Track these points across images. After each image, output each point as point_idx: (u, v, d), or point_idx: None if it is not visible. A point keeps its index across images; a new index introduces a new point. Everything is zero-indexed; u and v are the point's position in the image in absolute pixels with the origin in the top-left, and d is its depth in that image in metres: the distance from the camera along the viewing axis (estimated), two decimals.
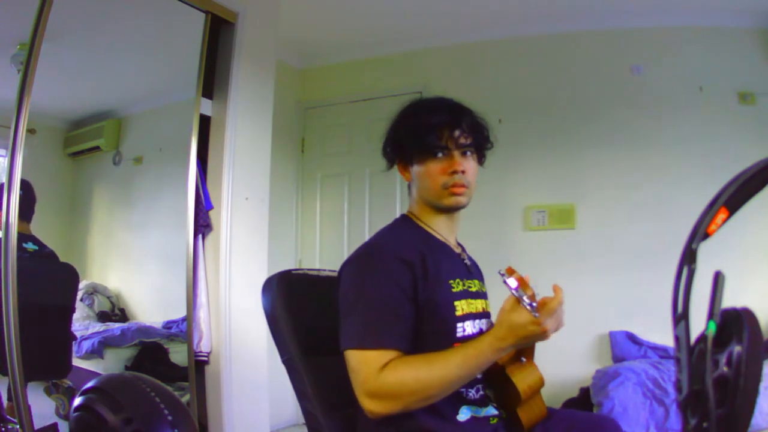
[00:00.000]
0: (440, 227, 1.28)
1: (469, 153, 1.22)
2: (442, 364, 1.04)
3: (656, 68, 3.17)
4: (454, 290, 1.19)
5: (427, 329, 1.12)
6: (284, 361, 1.28)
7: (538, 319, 0.99)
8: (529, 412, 1.17)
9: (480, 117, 1.27)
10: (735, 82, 3.06)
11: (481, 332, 1.20)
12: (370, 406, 1.04)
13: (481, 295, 1.28)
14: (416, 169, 1.24)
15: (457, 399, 1.14)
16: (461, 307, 1.18)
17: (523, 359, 1.15)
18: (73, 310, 2.19)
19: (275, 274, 1.35)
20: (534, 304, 0.99)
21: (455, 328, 1.16)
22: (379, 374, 1.03)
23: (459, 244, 1.35)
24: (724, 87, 3.07)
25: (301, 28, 3.37)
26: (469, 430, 1.13)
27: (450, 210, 1.24)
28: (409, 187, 1.30)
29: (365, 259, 1.17)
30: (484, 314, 1.26)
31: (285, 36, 3.22)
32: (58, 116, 2.18)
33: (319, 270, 1.43)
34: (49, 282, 2.12)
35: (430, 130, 1.20)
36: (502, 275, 1.01)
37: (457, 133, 1.20)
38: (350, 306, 1.11)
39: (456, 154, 1.20)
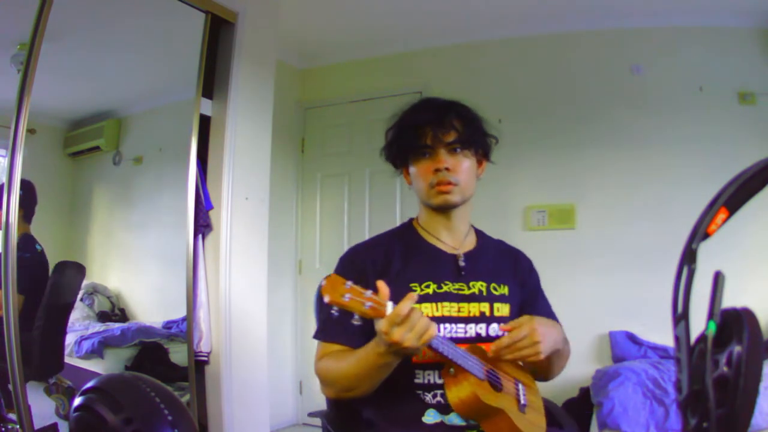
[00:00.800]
0: (437, 229, 1.29)
1: (458, 150, 1.22)
2: (346, 361, 1.14)
3: (656, 68, 3.17)
4: (430, 292, 1.20)
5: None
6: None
7: (378, 328, 1.00)
8: (494, 428, 1.11)
9: (474, 112, 1.27)
10: (735, 82, 3.06)
11: (472, 337, 1.19)
12: (320, 387, 1.23)
13: (480, 297, 1.24)
14: (411, 170, 1.27)
15: (419, 401, 1.17)
16: (420, 310, 1.13)
17: (452, 370, 1.10)
18: (72, 307, 2.20)
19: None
20: (354, 314, 0.97)
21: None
22: (317, 362, 1.22)
23: (483, 242, 1.34)
24: (724, 87, 3.06)
25: (301, 28, 3.37)
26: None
27: (441, 209, 1.25)
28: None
29: (338, 264, 1.30)
30: (481, 318, 1.22)
31: (285, 36, 3.22)
32: (58, 116, 2.18)
33: None
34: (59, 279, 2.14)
35: (414, 130, 1.22)
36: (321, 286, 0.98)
37: (440, 130, 1.20)
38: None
39: (442, 152, 1.20)
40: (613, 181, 3.17)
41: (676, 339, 0.51)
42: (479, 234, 1.36)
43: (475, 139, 1.24)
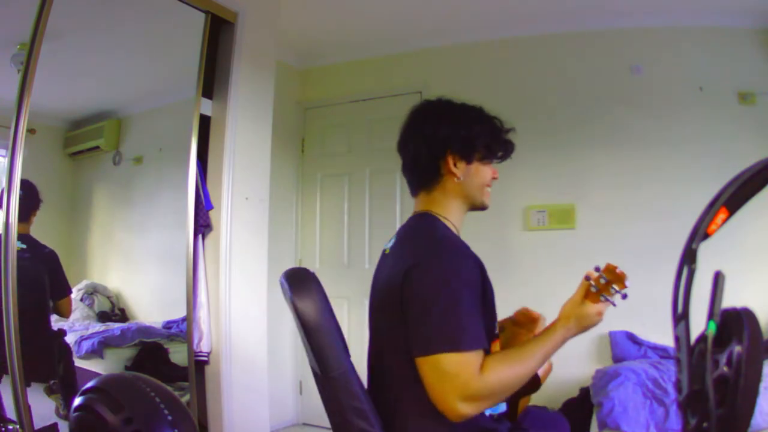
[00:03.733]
0: (459, 225, 1.32)
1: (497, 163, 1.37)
2: (529, 357, 1.09)
3: (656, 68, 3.17)
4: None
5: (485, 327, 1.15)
6: (336, 377, 1.12)
7: (602, 310, 1.14)
8: (524, 402, 1.23)
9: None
10: (735, 82, 3.05)
11: None
12: (466, 409, 1.01)
13: None
14: (475, 166, 1.29)
15: None
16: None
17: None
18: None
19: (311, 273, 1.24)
20: (608, 299, 1.15)
21: (495, 326, 1.23)
22: (482, 375, 1.02)
23: None
24: (724, 87, 3.06)
25: (301, 28, 3.37)
26: (494, 426, 1.17)
27: (483, 209, 1.35)
28: (436, 182, 1.27)
29: (445, 259, 1.12)
30: None
31: (285, 36, 3.22)
32: (58, 116, 2.18)
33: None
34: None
35: (510, 144, 1.34)
36: (598, 271, 1.16)
37: None
38: (432, 308, 1.07)
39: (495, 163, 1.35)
40: (613, 181, 3.17)
41: (676, 339, 0.51)
42: None
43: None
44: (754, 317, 0.49)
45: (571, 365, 2.96)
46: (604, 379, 2.58)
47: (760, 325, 0.50)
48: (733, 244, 2.61)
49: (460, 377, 1.01)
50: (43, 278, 2.10)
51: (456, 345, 1.03)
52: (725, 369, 0.47)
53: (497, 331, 1.24)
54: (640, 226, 3.07)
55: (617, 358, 2.95)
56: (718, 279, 0.49)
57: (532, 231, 3.22)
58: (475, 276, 1.12)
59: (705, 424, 0.46)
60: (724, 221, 0.52)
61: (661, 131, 3.12)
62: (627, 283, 1.13)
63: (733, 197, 0.52)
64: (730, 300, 0.50)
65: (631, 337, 2.98)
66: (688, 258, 0.51)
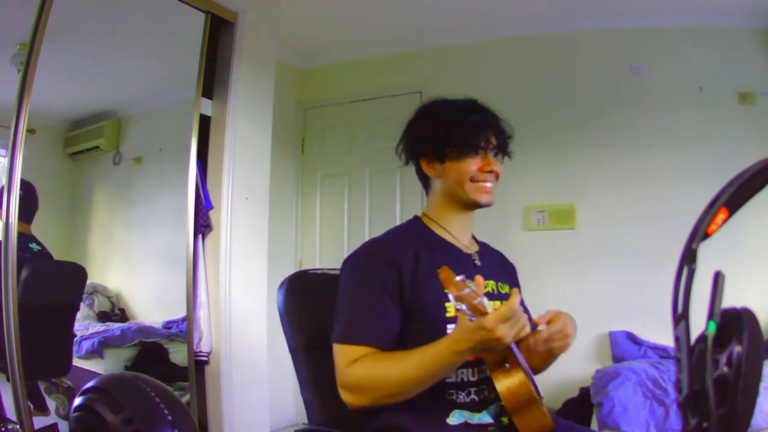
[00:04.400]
0: (453, 226, 1.28)
1: (497, 155, 1.28)
2: (402, 363, 1.07)
3: (656, 68, 3.17)
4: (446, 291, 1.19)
5: (413, 328, 1.14)
6: (291, 352, 1.34)
7: (484, 325, 0.95)
8: (528, 422, 1.11)
9: (508, 123, 1.32)
10: (735, 82, 3.06)
11: None
12: (344, 396, 1.11)
13: (492, 296, 1.23)
14: (449, 165, 1.25)
15: (446, 402, 1.14)
16: (452, 309, 1.16)
17: (506, 365, 1.09)
18: (77, 308, 2.20)
19: (291, 274, 1.44)
20: (462, 308, 0.95)
21: (445, 328, 1.15)
22: (349, 368, 1.10)
23: (481, 243, 1.38)
24: (724, 87, 3.06)
25: (301, 28, 3.37)
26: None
27: (478, 206, 1.27)
28: (428, 185, 1.31)
29: (359, 258, 1.22)
30: None
31: (285, 36, 3.21)
32: (58, 116, 2.18)
33: (330, 269, 1.45)
34: (58, 280, 2.13)
35: (473, 129, 1.23)
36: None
37: (495, 134, 1.26)
38: (340, 303, 1.18)
39: (490, 154, 1.25)
40: (612, 181, 3.17)
41: (676, 339, 0.51)
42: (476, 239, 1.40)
43: (508, 149, 1.30)
44: (754, 317, 0.49)
45: (571, 365, 2.95)
46: (604, 379, 2.58)
47: (760, 325, 0.50)
48: (733, 244, 2.61)
49: (337, 366, 1.12)
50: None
51: (339, 337, 1.13)
52: (725, 369, 0.47)
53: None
54: (640, 226, 3.08)
55: (617, 358, 2.96)
56: (718, 279, 0.49)
57: (532, 231, 3.22)
58: (383, 279, 1.11)
59: (705, 424, 0.46)
60: (724, 221, 0.52)
61: (661, 131, 3.12)
62: (465, 290, 0.94)
63: (733, 197, 0.52)
64: (730, 300, 0.50)
65: (631, 337, 2.98)
66: (688, 258, 0.51)
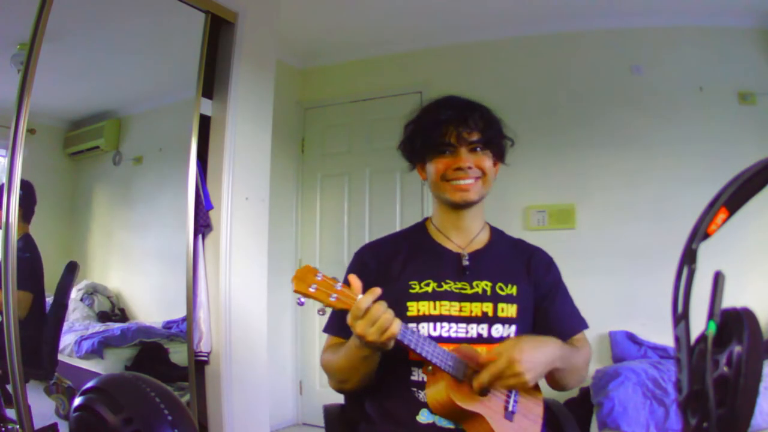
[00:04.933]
0: (447, 227, 1.29)
1: (479, 149, 1.23)
2: (338, 353, 1.18)
3: (656, 68, 3.17)
4: (412, 291, 1.21)
5: None
6: None
7: (349, 321, 1.04)
8: (475, 429, 1.10)
9: (492, 113, 1.28)
10: (735, 82, 3.06)
11: (474, 337, 1.19)
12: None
13: (484, 297, 1.21)
14: (428, 167, 1.27)
15: (413, 400, 1.18)
16: (417, 308, 1.20)
17: (430, 368, 1.12)
18: (66, 305, 2.19)
19: None
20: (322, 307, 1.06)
21: (424, 326, 1.20)
22: (321, 354, 1.27)
23: (493, 240, 1.32)
24: (724, 87, 3.06)
25: (301, 28, 3.37)
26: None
27: (457, 206, 1.25)
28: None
29: (353, 256, 1.36)
30: (484, 318, 1.20)
31: (285, 36, 3.22)
32: (58, 116, 2.18)
33: None
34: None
35: (437, 128, 1.22)
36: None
37: (464, 129, 1.21)
38: None
39: (463, 150, 1.22)
40: (613, 181, 3.17)
41: (676, 339, 0.51)
42: (495, 232, 1.34)
43: (496, 140, 1.26)
44: (754, 317, 0.49)
45: None
46: (604, 379, 2.58)
47: (760, 325, 0.50)
48: (733, 244, 2.61)
49: None
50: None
51: (325, 327, 1.31)
52: (725, 369, 0.47)
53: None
54: (640, 226, 3.07)
55: (617, 358, 2.96)
56: (718, 279, 0.49)
57: (532, 231, 3.22)
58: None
59: (705, 424, 0.46)
60: (724, 221, 0.52)
61: (661, 131, 3.12)
62: (311, 288, 1.02)
63: (733, 197, 0.52)
64: (730, 300, 0.50)
65: (631, 337, 2.98)
66: (688, 258, 0.51)
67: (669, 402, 2.33)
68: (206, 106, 2.46)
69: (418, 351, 1.07)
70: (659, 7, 3.08)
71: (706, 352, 0.48)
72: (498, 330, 1.21)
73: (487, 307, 1.21)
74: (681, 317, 0.51)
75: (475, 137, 1.22)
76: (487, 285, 1.23)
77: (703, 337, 0.49)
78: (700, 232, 0.51)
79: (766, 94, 3.01)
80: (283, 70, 3.55)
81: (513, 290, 1.24)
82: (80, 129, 2.24)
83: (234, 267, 2.44)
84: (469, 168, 1.21)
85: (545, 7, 3.17)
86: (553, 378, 1.19)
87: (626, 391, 2.42)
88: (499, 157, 1.29)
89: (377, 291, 1.03)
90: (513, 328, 1.21)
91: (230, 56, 2.50)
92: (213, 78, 2.52)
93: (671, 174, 3.08)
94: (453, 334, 1.19)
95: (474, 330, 1.20)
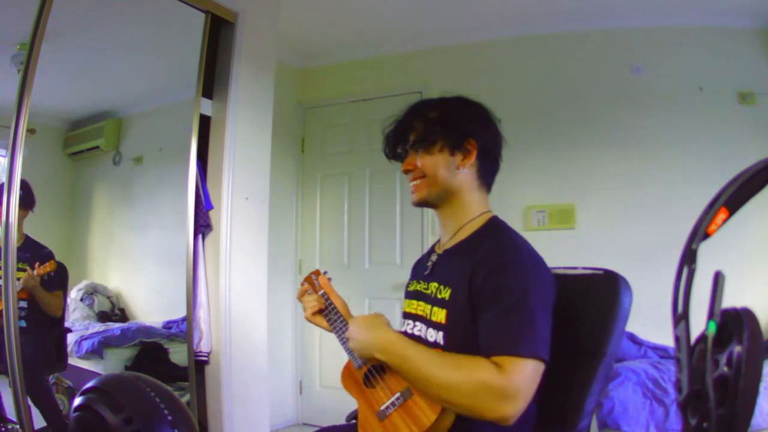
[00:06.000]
0: (437, 227, 1.33)
1: (419, 150, 1.21)
2: None
3: (656, 68, 3.17)
4: (408, 289, 1.32)
5: None
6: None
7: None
8: (360, 413, 1.22)
9: (445, 105, 1.24)
10: (735, 82, 3.06)
11: (410, 334, 1.23)
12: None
13: (427, 298, 1.20)
14: None
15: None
16: (404, 305, 1.33)
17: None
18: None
19: None
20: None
21: (404, 323, 1.29)
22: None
23: (469, 238, 1.20)
24: (724, 87, 3.06)
25: (301, 28, 3.37)
26: None
27: (417, 206, 1.28)
28: None
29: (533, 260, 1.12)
30: (421, 318, 1.20)
31: (285, 36, 3.22)
32: (58, 116, 2.18)
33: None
34: None
35: (387, 142, 1.29)
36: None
37: (404, 137, 1.25)
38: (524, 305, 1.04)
39: (411, 153, 1.24)
40: (613, 181, 3.17)
41: (676, 339, 0.51)
42: (482, 230, 1.20)
43: (433, 134, 1.20)
44: (754, 317, 0.49)
45: None
46: None
47: (760, 325, 0.50)
48: (733, 244, 2.61)
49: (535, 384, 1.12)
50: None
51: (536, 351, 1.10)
52: (725, 369, 0.47)
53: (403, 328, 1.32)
54: (640, 226, 3.07)
55: (617, 358, 2.95)
56: (718, 279, 0.49)
57: (532, 231, 3.22)
58: None
59: (705, 424, 0.46)
60: (724, 221, 0.52)
61: (661, 131, 3.12)
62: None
63: (733, 197, 0.52)
64: (730, 300, 0.50)
65: (631, 337, 2.98)
66: (688, 258, 0.51)
67: (669, 402, 2.33)
68: (206, 106, 2.46)
69: (335, 334, 1.31)
70: (659, 7, 3.08)
71: (706, 352, 0.48)
72: (431, 334, 1.15)
73: (427, 309, 1.19)
74: (681, 317, 0.51)
75: (413, 138, 1.23)
76: (435, 286, 1.19)
77: (703, 337, 0.49)
78: (700, 232, 0.51)
79: (766, 94, 3.01)
80: (283, 70, 3.55)
81: (446, 294, 1.14)
82: (80, 129, 2.24)
83: (234, 267, 2.44)
84: (411, 170, 1.23)
85: (545, 7, 3.17)
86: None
87: (626, 391, 2.42)
88: (450, 149, 1.20)
89: (315, 275, 1.43)
90: (441, 334, 1.13)
91: (230, 56, 2.50)
92: (213, 78, 2.52)
93: (671, 174, 3.08)
94: (412, 331, 1.23)
95: (422, 330, 1.20)
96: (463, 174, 1.20)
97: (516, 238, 1.16)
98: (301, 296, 1.39)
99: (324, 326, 1.36)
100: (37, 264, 1.91)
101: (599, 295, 1.24)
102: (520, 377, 0.97)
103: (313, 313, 1.36)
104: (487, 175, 1.25)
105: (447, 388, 1.01)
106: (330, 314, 1.34)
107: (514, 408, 0.96)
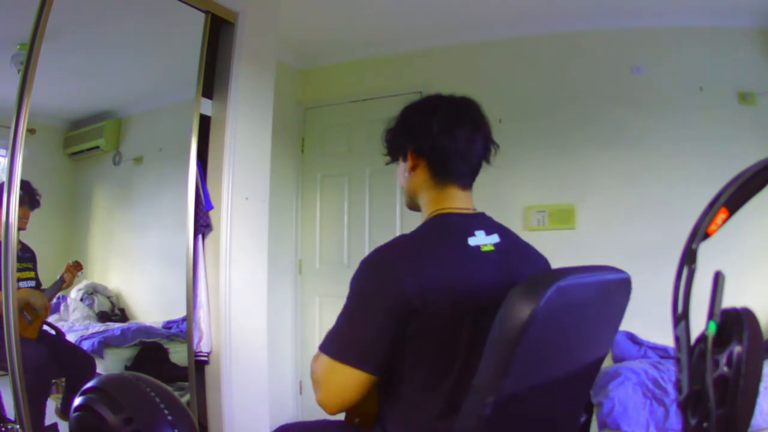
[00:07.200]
0: None
1: (389, 164, 1.37)
2: None
3: (656, 68, 3.17)
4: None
5: None
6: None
7: None
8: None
9: (395, 117, 1.32)
10: (735, 82, 3.05)
11: None
12: None
13: None
14: None
15: None
16: None
17: None
18: None
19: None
20: None
21: None
22: None
23: None
24: (724, 87, 3.06)
25: (301, 28, 3.37)
26: None
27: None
28: None
29: None
30: None
31: (285, 36, 3.22)
32: (58, 116, 2.18)
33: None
34: None
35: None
36: None
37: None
38: None
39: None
40: (613, 181, 3.17)
41: (676, 339, 0.51)
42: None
43: (388, 151, 1.35)
44: (754, 317, 0.49)
45: None
46: (604, 379, 2.58)
47: (760, 325, 0.50)
48: (733, 244, 2.61)
49: None
50: None
51: None
52: (725, 369, 0.47)
53: None
54: (640, 226, 3.07)
55: (617, 358, 2.95)
56: (718, 279, 0.49)
57: (532, 231, 3.22)
58: None
59: (705, 424, 0.46)
60: (724, 221, 0.52)
61: (661, 131, 3.12)
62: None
63: (733, 197, 0.52)
64: (730, 300, 0.50)
65: (631, 337, 2.98)
66: (688, 258, 0.51)
67: (669, 402, 2.33)
68: (206, 106, 2.46)
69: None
70: (659, 7, 3.08)
71: (706, 352, 0.48)
72: None
73: None
74: (681, 317, 0.51)
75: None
76: None
77: (703, 337, 0.49)
78: (700, 232, 0.51)
79: (766, 94, 3.01)
80: (283, 70, 3.55)
81: None
82: (80, 129, 2.24)
83: (234, 267, 2.44)
84: None
85: (545, 7, 3.17)
86: None
87: (626, 391, 2.42)
88: (402, 158, 1.30)
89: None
90: None
91: (230, 56, 2.50)
92: (213, 78, 2.52)
93: (671, 174, 3.08)
94: None
95: None
96: (415, 177, 1.28)
97: (396, 239, 1.16)
98: None
99: None
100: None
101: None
102: (319, 368, 1.12)
103: None
104: (442, 171, 1.23)
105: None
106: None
107: (319, 395, 1.12)
